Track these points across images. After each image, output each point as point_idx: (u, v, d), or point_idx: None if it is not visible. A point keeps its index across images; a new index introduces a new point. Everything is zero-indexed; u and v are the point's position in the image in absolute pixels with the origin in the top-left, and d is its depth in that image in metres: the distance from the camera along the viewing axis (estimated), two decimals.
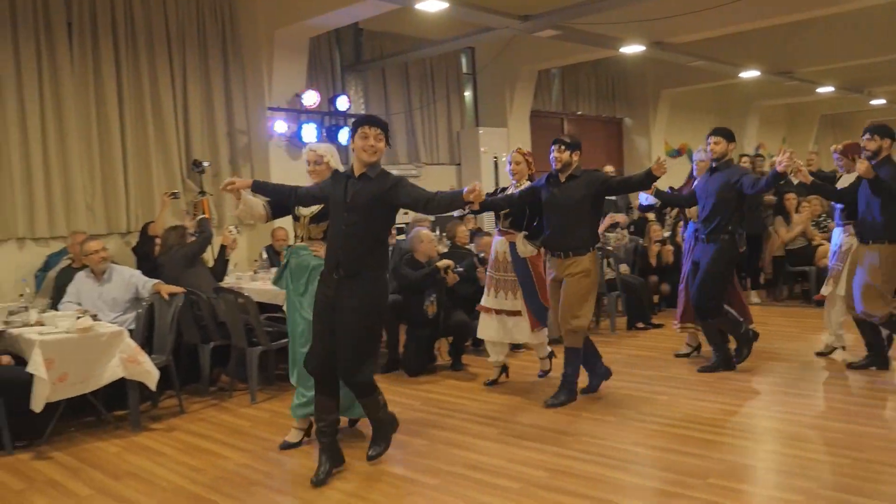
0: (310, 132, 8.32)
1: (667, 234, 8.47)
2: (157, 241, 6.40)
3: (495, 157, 10.53)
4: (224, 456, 4.33)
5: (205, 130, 7.99)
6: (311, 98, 8.33)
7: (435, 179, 10.04)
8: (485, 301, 5.50)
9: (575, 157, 4.96)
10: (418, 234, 6.29)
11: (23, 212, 6.76)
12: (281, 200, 4.22)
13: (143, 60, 7.51)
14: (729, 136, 5.59)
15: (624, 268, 7.87)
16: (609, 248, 7.63)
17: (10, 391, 4.45)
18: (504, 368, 5.68)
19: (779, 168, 4.99)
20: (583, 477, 3.72)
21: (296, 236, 4.47)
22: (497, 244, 5.47)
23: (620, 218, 7.10)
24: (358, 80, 9.75)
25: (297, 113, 8.38)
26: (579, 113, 12.99)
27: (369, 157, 3.72)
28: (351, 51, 9.60)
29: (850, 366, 5.57)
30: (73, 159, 7.01)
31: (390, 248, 6.49)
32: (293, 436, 4.43)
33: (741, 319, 5.65)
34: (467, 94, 11.26)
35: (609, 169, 9.01)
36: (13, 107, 6.71)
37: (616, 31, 8.94)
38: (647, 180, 4.86)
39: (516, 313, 5.37)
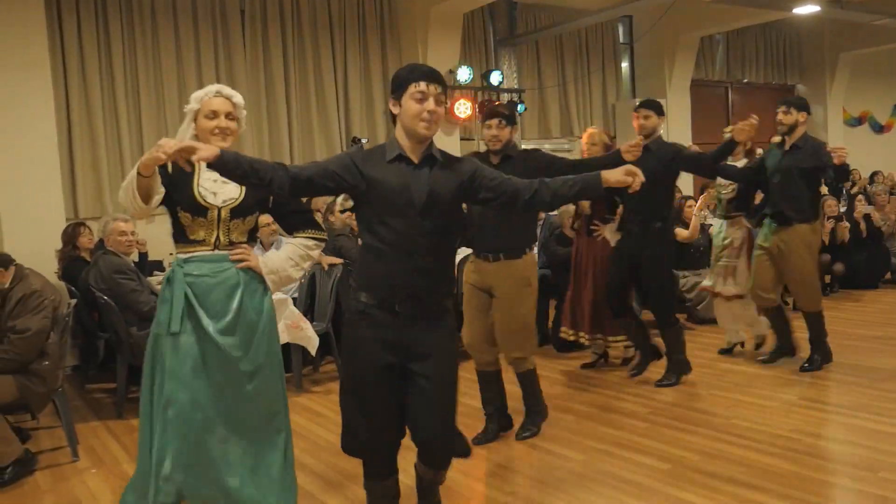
0: (464, 108, 8.41)
1: (843, 209, 7.84)
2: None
3: None
4: None
5: (363, 108, 8.30)
6: (464, 74, 8.41)
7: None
8: None
9: (513, 133, 3.97)
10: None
11: None
12: (256, 184, 2.57)
13: (308, 43, 7.92)
14: (659, 110, 4.74)
15: None
16: None
17: None
18: None
19: (736, 137, 4.51)
20: (737, 462, 3.57)
21: (193, 242, 2.85)
22: None
23: None
24: (511, 54, 9.72)
25: (451, 89, 8.49)
26: (745, 81, 12.24)
27: (426, 130, 2.49)
28: (504, 25, 9.58)
29: (763, 361, 5.20)
30: (244, 138, 7.53)
31: (540, 223, 6.48)
32: None
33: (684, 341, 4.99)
34: (624, 64, 10.91)
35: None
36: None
37: None
38: (615, 163, 4.02)
39: None
